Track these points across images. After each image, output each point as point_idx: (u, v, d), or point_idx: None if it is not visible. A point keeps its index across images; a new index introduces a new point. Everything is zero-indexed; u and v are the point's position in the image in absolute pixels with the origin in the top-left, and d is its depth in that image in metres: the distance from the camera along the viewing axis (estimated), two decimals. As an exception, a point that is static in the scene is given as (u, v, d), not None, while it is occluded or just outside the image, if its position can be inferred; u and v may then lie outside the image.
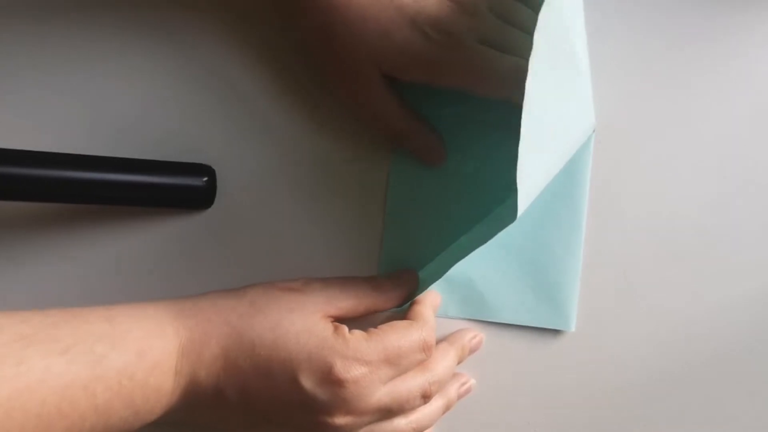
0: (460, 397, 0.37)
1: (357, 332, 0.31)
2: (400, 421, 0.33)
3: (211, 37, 0.38)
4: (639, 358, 0.37)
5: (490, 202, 0.37)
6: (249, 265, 0.37)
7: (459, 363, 0.36)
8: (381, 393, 0.31)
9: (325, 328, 0.31)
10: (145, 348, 0.28)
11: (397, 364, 0.31)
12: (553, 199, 0.37)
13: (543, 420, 0.37)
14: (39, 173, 0.32)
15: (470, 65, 0.33)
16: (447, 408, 0.36)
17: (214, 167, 0.37)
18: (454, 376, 0.37)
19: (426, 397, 0.33)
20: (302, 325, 0.31)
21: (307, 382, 0.30)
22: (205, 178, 0.36)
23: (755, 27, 0.38)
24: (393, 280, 0.35)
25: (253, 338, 0.30)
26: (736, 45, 0.38)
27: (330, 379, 0.29)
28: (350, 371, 0.30)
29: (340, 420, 0.30)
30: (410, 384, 0.32)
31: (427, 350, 0.32)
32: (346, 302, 0.33)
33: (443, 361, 0.34)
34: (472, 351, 0.37)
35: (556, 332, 0.37)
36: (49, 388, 0.25)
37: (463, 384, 0.37)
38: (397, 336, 0.32)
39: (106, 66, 0.37)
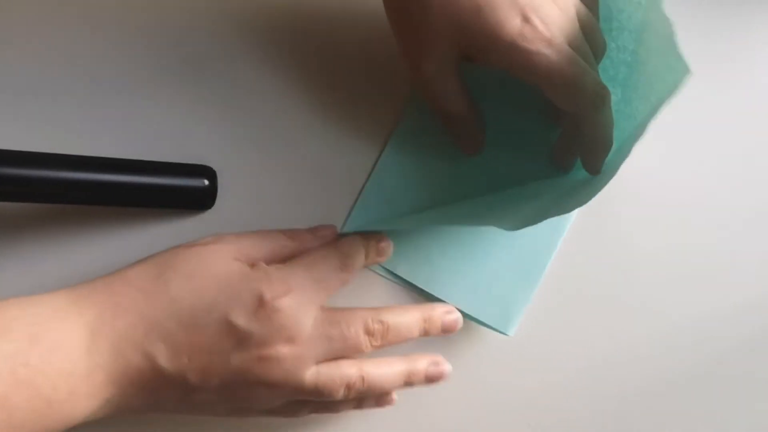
0: (430, 379, 0.33)
1: (273, 264, 0.31)
2: (350, 368, 0.31)
3: (212, 38, 0.38)
4: (640, 357, 0.38)
5: (479, 191, 0.37)
6: (250, 266, 0.37)
7: (426, 335, 0.33)
8: (317, 315, 0.30)
9: (242, 266, 0.30)
10: (38, 332, 0.27)
11: (318, 279, 0.31)
12: None
13: (543, 421, 0.37)
14: (40, 174, 0.32)
15: (558, 67, 0.30)
16: (408, 377, 0.32)
17: (215, 169, 0.37)
18: (429, 356, 0.33)
19: (369, 334, 0.31)
20: (218, 268, 0.30)
21: (240, 319, 0.29)
22: (207, 180, 0.36)
23: (755, 28, 0.38)
24: (311, 232, 0.34)
25: (170, 293, 0.29)
26: (737, 46, 0.39)
27: (262, 308, 0.29)
28: (279, 295, 0.29)
29: (284, 349, 0.29)
30: (351, 314, 0.31)
31: (343, 258, 0.32)
32: (260, 249, 0.32)
33: (398, 312, 0.33)
34: (445, 328, 0.34)
35: (541, 336, 0.37)
36: None
37: (436, 363, 0.33)
38: (311, 252, 0.32)
39: (108, 67, 0.37)
